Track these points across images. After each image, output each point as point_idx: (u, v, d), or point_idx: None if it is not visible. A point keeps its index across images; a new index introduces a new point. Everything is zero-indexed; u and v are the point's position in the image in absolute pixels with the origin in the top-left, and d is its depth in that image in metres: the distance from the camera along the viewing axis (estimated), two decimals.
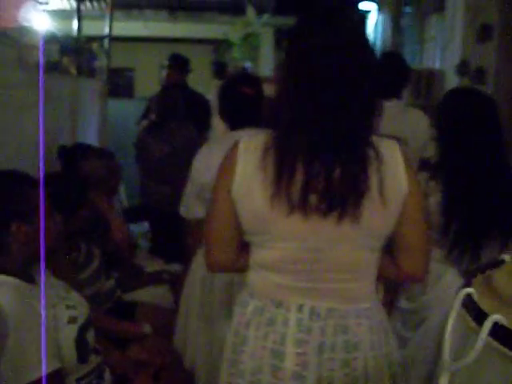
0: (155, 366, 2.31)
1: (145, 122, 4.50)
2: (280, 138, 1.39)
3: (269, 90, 2.56)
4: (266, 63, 7.79)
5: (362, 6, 7.81)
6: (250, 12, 6.50)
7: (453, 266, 2.11)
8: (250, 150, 1.43)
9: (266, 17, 6.90)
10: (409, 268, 1.49)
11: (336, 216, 1.36)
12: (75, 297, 1.91)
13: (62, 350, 1.74)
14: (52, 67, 3.96)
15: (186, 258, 2.72)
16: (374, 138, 1.39)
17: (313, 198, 1.36)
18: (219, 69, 6.36)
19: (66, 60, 4.28)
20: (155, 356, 2.40)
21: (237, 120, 2.46)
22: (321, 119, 1.35)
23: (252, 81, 2.56)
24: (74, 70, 4.47)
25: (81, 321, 1.83)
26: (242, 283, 1.60)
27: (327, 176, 1.35)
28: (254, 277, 1.52)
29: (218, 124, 5.43)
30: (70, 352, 1.78)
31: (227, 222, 1.48)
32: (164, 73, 5.19)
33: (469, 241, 2.06)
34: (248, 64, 6.39)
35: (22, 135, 3.06)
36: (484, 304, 0.86)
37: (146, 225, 4.63)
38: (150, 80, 9.43)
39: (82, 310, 1.87)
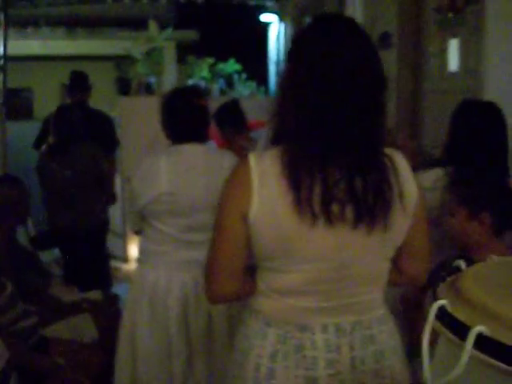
0: None
1: (45, 146, 4.32)
2: (294, 151, 1.33)
3: None
4: (169, 77, 7.70)
5: (263, 17, 7.89)
6: (153, 26, 6.40)
7: None
8: (265, 169, 1.34)
9: (168, 31, 6.81)
10: (413, 272, 1.52)
11: (365, 227, 1.33)
12: None
13: None
14: None
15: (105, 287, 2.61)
16: (385, 149, 1.39)
17: (335, 207, 1.31)
18: (123, 85, 6.23)
19: None
20: None
21: (185, 133, 2.37)
22: (334, 127, 1.32)
23: (202, 93, 2.51)
24: None
25: (0, 365, 1.69)
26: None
27: (348, 183, 1.31)
28: (269, 304, 1.43)
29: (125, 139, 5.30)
30: None
31: (239, 250, 1.38)
32: (64, 93, 5.03)
33: None
34: (152, 79, 6.26)
35: None
36: (459, 315, 0.84)
37: (55, 252, 4.43)
38: (50, 100, 9.12)
39: (1, 353, 1.73)
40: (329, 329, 1.40)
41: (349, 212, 1.32)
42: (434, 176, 2.27)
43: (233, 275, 1.41)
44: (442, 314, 0.86)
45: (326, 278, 1.38)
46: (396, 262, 1.49)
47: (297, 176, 1.31)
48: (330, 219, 1.31)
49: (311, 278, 1.38)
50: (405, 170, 1.41)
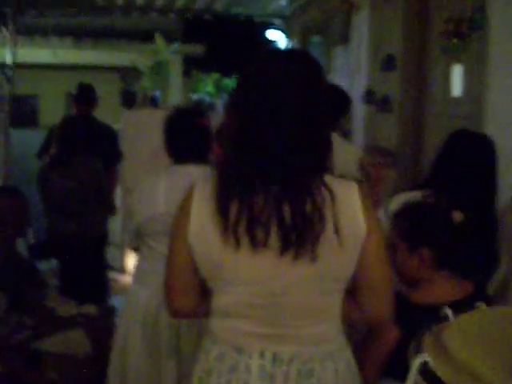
0: None
1: (47, 157, 4.35)
2: (225, 175, 1.36)
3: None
4: (175, 92, 7.73)
5: (269, 34, 7.92)
6: (159, 40, 6.43)
7: None
8: (204, 194, 1.39)
9: (175, 45, 6.85)
10: (374, 311, 1.45)
11: (291, 257, 1.32)
12: None
13: None
14: None
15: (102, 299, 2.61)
16: (329, 178, 1.36)
17: (260, 233, 1.31)
18: (129, 98, 6.26)
19: None
20: None
21: (186, 154, 2.38)
22: (266, 155, 1.32)
23: (203, 113, 2.52)
24: None
25: None
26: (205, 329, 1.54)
27: (275, 211, 1.31)
28: (214, 323, 1.46)
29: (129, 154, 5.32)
30: None
31: (186, 268, 1.44)
32: (70, 102, 5.07)
33: None
34: (157, 93, 6.29)
35: None
36: (441, 373, 0.82)
37: (53, 262, 4.42)
38: (55, 107, 9.17)
39: None
40: (266, 356, 1.39)
41: (274, 239, 1.32)
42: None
43: (184, 293, 1.48)
44: (425, 369, 0.85)
45: (258, 304, 1.38)
46: (355, 298, 1.45)
47: (225, 200, 1.34)
48: (253, 245, 1.32)
49: (242, 301, 1.39)
50: (350, 203, 1.36)
